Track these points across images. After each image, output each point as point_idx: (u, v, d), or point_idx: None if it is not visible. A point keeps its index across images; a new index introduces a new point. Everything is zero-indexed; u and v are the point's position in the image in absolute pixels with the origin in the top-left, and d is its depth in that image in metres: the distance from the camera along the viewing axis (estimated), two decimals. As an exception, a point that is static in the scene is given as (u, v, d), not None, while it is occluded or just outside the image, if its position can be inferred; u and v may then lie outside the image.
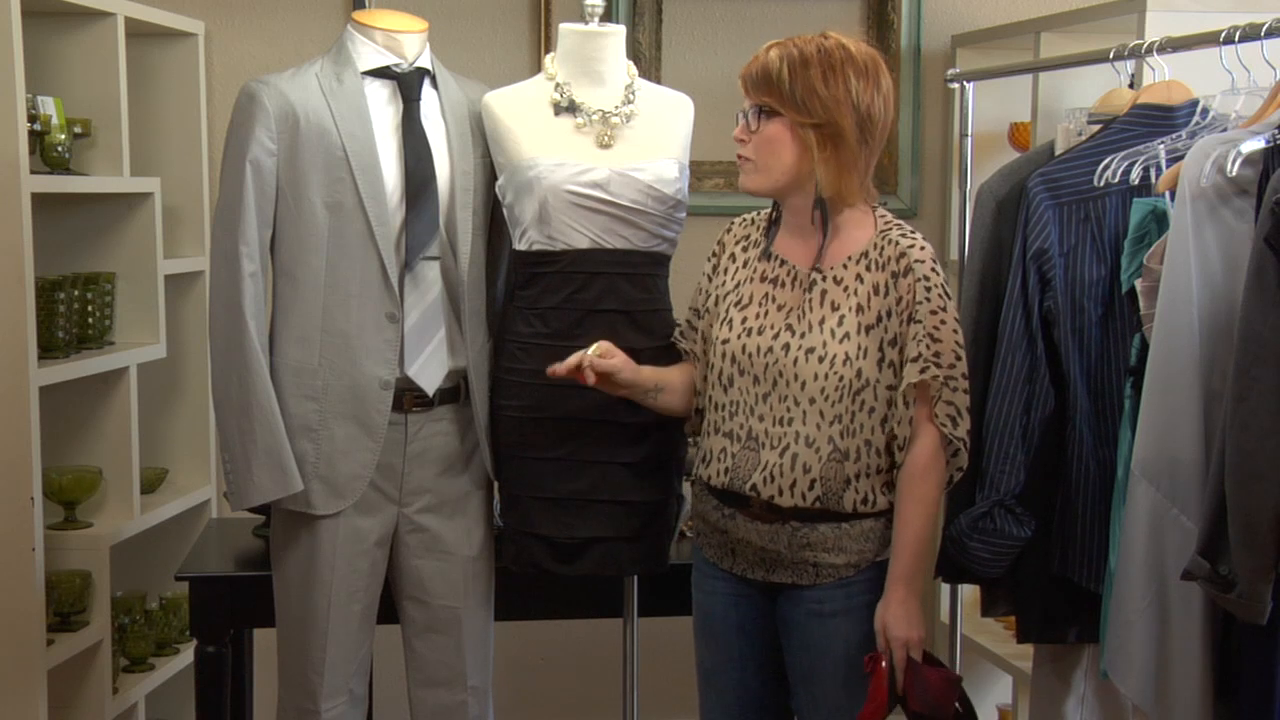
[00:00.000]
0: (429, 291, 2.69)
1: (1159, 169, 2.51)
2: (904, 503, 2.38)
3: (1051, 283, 2.61)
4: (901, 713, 2.40)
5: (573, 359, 2.50)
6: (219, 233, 2.65)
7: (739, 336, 2.46)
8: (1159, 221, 2.49)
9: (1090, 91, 3.14)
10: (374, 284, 2.64)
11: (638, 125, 2.74)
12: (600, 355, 2.51)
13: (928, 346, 2.36)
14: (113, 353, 3.36)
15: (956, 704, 2.40)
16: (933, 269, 2.40)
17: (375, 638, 2.82)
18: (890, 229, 2.44)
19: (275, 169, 2.62)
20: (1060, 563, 2.65)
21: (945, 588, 3.71)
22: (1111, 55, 2.79)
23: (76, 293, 3.28)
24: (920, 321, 2.36)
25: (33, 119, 3.08)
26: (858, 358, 2.37)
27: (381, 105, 2.69)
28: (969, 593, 3.52)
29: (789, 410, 2.40)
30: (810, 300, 2.42)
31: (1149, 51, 2.67)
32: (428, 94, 2.73)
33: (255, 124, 2.61)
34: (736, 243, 2.57)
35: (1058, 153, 2.81)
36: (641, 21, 3.95)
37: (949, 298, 2.40)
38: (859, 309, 2.39)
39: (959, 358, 2.39)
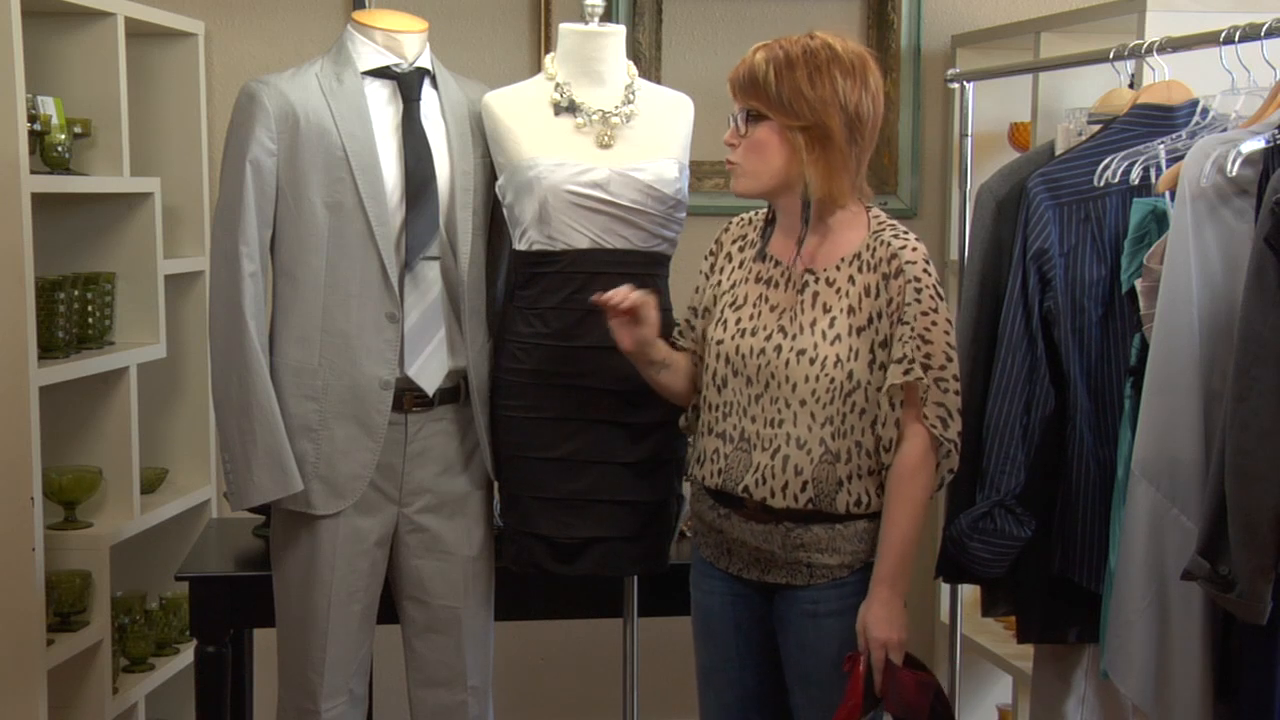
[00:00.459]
0: (429, 291, 2.69)
1: (1159, 169, 2.51)
2: (891, 503, 2.38)
3: (1051, 283, 2.61)
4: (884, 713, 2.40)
5: (619, 292, 2.46)
6: (219, 233, 2.65)
7: (733, 337, 2.46)
8: (1159, 221, 2.49)
9: (1090, 91, 3.14)
10: (374, 284, 2.64)
11: (638, 125, 2.74)
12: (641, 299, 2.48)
13: (917, 348, 2.35)
14: (113, 353, 3.36)
15: (931, 707, 2.38)
16: (924, 270, 2.39)
17: (375, 638, 2.82)
18: (883, 230, 2.43)
19: (275, 169, 2.62)
20: (1060, 563, 2.65)
21: (945, 588, 3.71)
22: (1111, 55, 2.79)
23: (76, 293, 3.28)
24: (909, 323, 2.36)
25: (33, 119, 3.08)
26: (849, 359, 2.37)
27: (381, 105, 2.69)
28: (969, 593, 3.52)
29: (780, 412, 2.40)
30: (803, 302, 2.42)
31: (1149, 51, 2.67)
32: (428, 94, 2.73)
33: (255, 124, 2.61)
34: (733, 242, 2.57)
35: (1058, 153, 2.81)
36: (641, 21, 3.95)
37: (941, 299, 2.39)
38: (850, 310, 2.39)
39: (950, 359, 2.38)
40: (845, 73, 2.36)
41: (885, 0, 4.02)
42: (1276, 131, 2.19)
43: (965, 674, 3.68)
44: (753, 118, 2.39)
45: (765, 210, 2.54)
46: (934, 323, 2.37)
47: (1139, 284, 2.46)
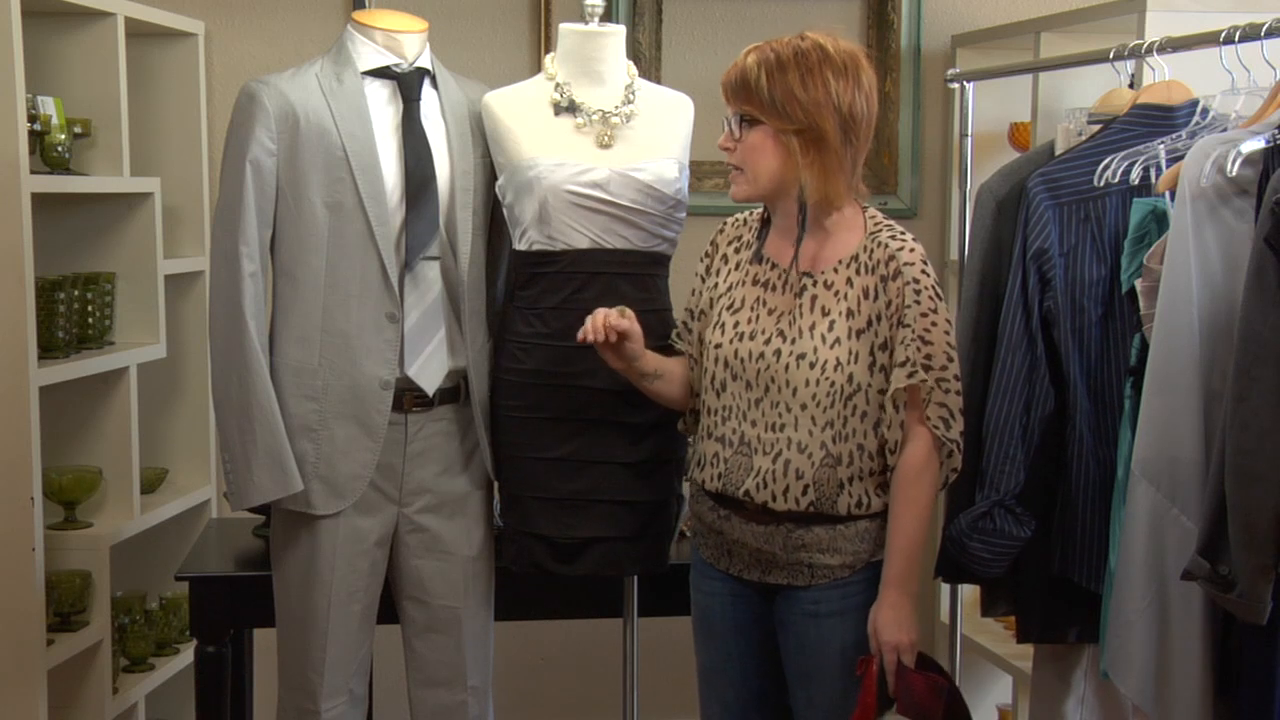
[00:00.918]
0: (429, 291, 2.69)
1: (1159, 169, 2.51)
2: (897, 506, 2.38)
3: (1051, 283, 2.61)
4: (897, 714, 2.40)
5: (594, 317, 2.47)
6: (219, 233, 2.65)
7: (731, 341, 2.45)
8: (1159, 221, 2.49)
9: (1090, 91, 3.14)
10: (374, 284, 2.64)
11: (638, 125, 2.74)
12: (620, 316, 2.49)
13: (918, 349, 2.35)
14: (113, 353, 3.36)
15: (946, 709, 2.38)
16: (923, 270, 2.38)
17: (375, 638, 2.82)
18: (880, 231, 2.42)
19: (275, 169, 2.62)
20: (1060, 563, 2.65)
21: (945, 588, 3.71)
22: (1111, 55, 2.79)
23: (76, 293, 3.28)
24: (909, 325, 2.35)
25: (33, 119, 3.08)
26: (849, 363, 2.37)
27: (381, 105, 2.69)
28: (969, 593, 3.52)
29: (781, 416, 2.40)
30: (801, 305, 2.41)
31: (1149, 51, 2.66)
32: (428, 94, 2.73)
33: (255, 124, 2.61)
34: (729, 243, 2.56)
35: (1058, 153, 2.81)
36: (641, 21, 3.95)
37: (940, 299, 2.39)
38: (849, 313, 2.38)
39: (951, 359, 2.38)
40: (837, 73, 2.35)
41: (885, 0, 4.02)
42: (1276, 131, 2.19)
43: (965, 674, 3.68)
44: (746, 122, 2.39)
45: (760, 211, 2.54)
46: (934, 323, 2.36)
47: (1139, 284, 2.46)
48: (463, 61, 3.46)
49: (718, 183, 3.95)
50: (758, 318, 2.45)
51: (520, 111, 2.73)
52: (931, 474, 2.38)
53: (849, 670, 2.40)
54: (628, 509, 2.72)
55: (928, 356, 2.35)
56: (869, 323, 2.38)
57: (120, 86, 3.38)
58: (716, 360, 2.47)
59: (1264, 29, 2.35)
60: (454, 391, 2.75)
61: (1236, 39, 2.44)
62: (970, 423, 2.52)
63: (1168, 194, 2.43)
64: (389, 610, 2.82)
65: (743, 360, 2.43)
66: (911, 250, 2.39)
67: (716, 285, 2.54)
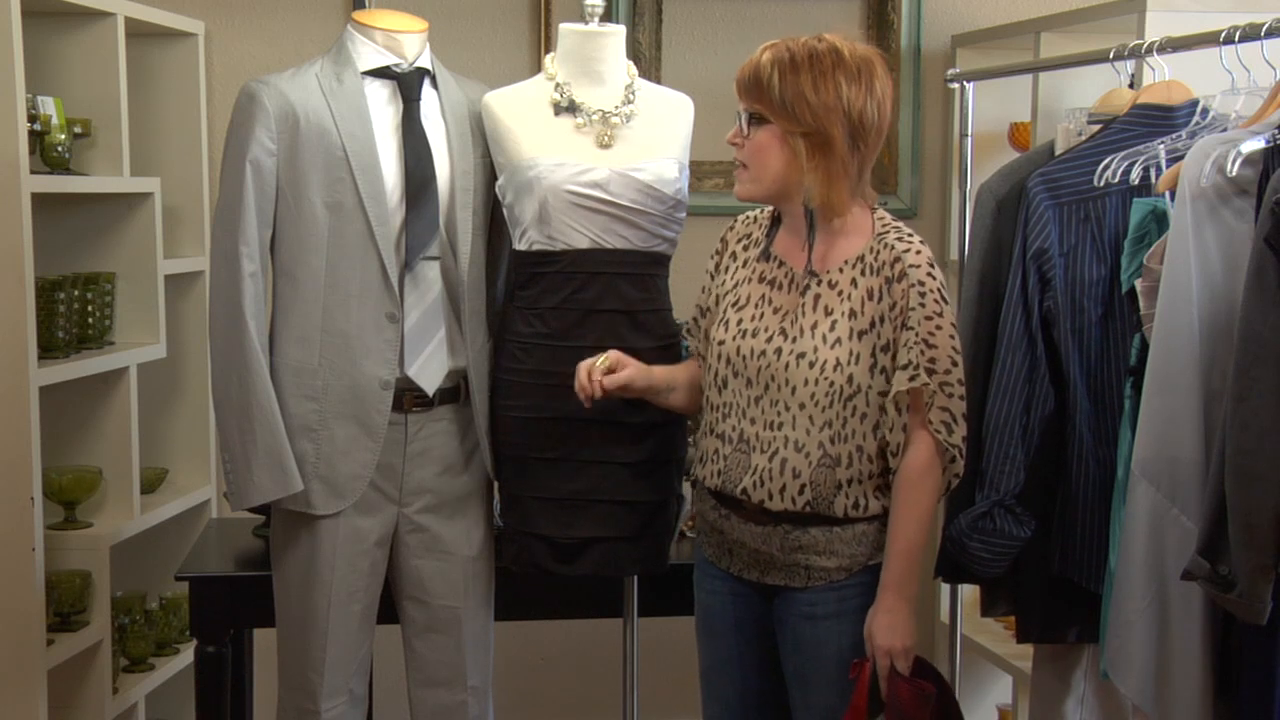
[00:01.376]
0: (429, 291, 2.69)
1: (1159, 169, 2.51)
2: (898, 509, 2.37)
3: (1051, 283, 2.61)
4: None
5: (581, 375, 2.48)
6: (219, 233, 2.65)
7: (734, 338, 2.45)
8: (1159, 221, 2.49)
9: (1090, 91, 3.14)
10: (374, 284, 2.64)
11: (638, 125, 2.74)
12: (610, 368, 2.50)
13: (921, 353, 2.33)
14: (113, 353, 3.36)
15: (932, 717, 2.36)
16: (929, 273, 2.36)
17: (375, 638, 2.82)
18: (887, 232, 2.41)
19: (275, 169, 2.62)
20: (1060, 563, 2.65)
21: (945, 588, 3.71)
22: (1111, 55, 2.79)
23: (76, 293, 3.28)
24: (913, 328, 2.34)
25: (33, 119, 3.08)
26: (849, 363, 2.36)
27: (381, 105, 2.69)
28: (969, 593, 3.52)
29: (780, 414, 2.40)
30: (804, 304, 2.41)
31: (1149, 51, 2.66)
32: (428, 94, 2.73)
33: (255, 124, 2.61)
34: (738, 241, 2.56)
35: (1058, 153, 2.81)
36: (641, 21, 3.95)
37: (946, 302, 2.37)
38: (852, 314, 2.37)
39: (955, 363, 2.36)
40: (850, 78, 2.33)
41: (885, 0, 4.02)
42: (1276, 131, 2.19)
43: (965, 674, 3.68)
44: (755, 120, 2.38)
45: (771, 209, 2.53)
46: (938, 327, 2.35)
47: (1139, 284, 2.46)
48: (463, 61, 3.46)
49: (718, 183, 3.96)
50: (762, 315, 2.44)
51: (520, 111, 2.73)
52: (933, 479, 2.37)
53: (845, 672, 2.39)
54: (628, 509, 2.72)
55: (931, 360, 2.33)
56: (872, 324, 2.37)
57: (120, 86, 3.38)
58: (719, 357, 2.47)
59: (1264, 29, 2.35)
60: (454, 391, 2.75)
61: (1236, 39, 2.44)
62: (970, 423, 2.51)
63: (1168, 194, 2.43)
64: (389, 610, 2.82)
65: (744, 357, 2.43)
66: (918, 253, 2.38)
67: (724, 282, 2.53)
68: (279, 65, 3.16)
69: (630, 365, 2.53)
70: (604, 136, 2.72)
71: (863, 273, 2.39)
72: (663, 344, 2.72)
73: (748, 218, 2.58)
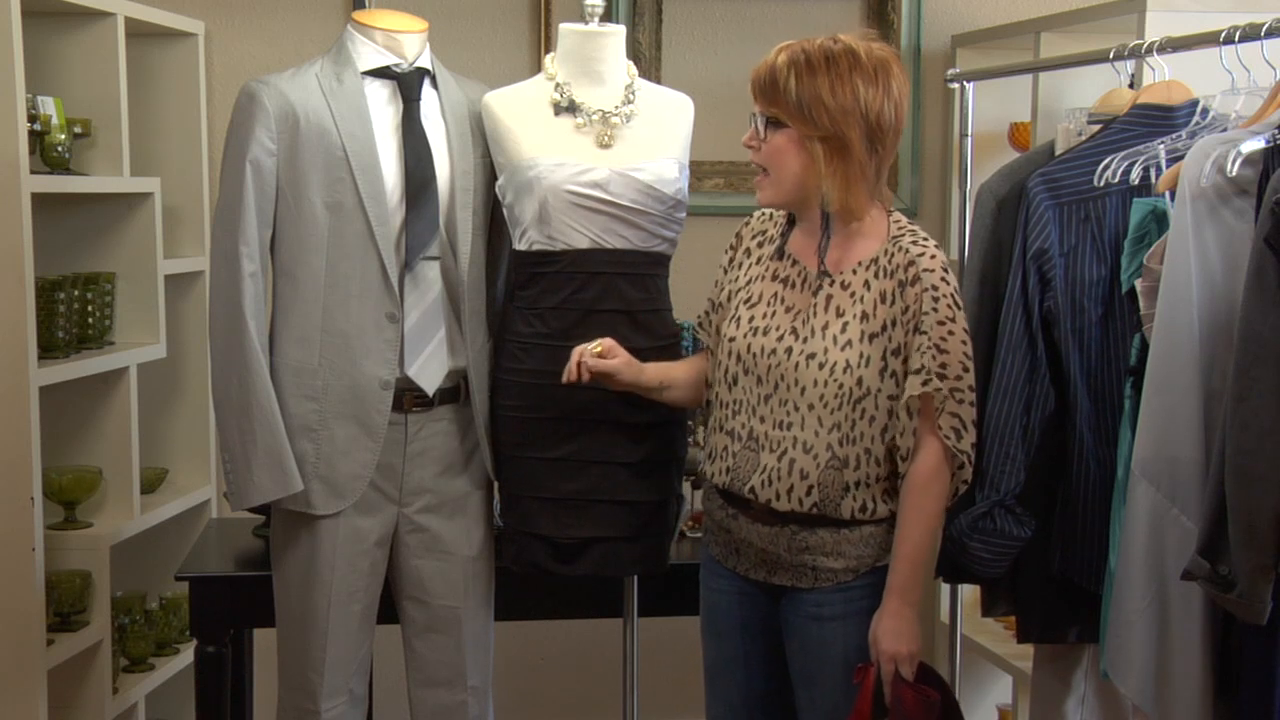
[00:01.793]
0: (429, 291, 2.69)
1: (1159, 169, 2.51)
2: (905, 514, 2.36)
3: (1051, 283, 2.61)
4: None
5: (573, 359, 2.50)
6: (219, 233, 2.65)
7: (745, 335, 2.45)
8: (1159, 221, 2.49)
9: (1090, 91, 3.14)
10: (374, 284, 2.65)
11: (638, 125, 2.74)
12: (600, 353, 2.50)
13: (933, 358, 2.33)
14: (113, 353, 3.36)
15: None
16: (942, 278, 2.36)
17: (375, 638, 2.82)
18: (902, 235, 2.40)
19: (275, 169, 2.62)
20: (1060, 563, 2.65)
21: (945, 588, 3.71)
22: (1111, 55, 2.79)
23: (76, 293, 3.28)
24: (926, 332, 2.33)
25: (33, 119, 3.08)
26: (859, 365, 2.35)
27: (381, 105, 2.69)
28: (969, 593, 3.52)
29: (789, 414, 2.39)
30: (816, 305, 2.40)
31: (1149, 51, 2.66)
32: (428, 94, 2.73)
33: (255, 124, 2.61)
34: (753, 237, 2.55)
35: (1058, 153, 2.81)
36: (641, 21, 3.95)
37: (959, 307, 2.36)
38: (864, 316, 2.37)
39: (966, 369, 2.35)
40: (867, 80, 2.31)
41: (885, 0, 4.02)
42: (1276, 131, 2.19)
43: (965, 674, 3.68)
44: (771, 124, 2.36)
45: None
46: (950, 332, 2.34)
47: (1139, 284, 2.46)
48: (463, 61, 3.46)
49: (718, 183, 3.96)
50: (774, 314, 2.44)
51: (520, 111, 2.73)
52: (941, 484, 2.36)
53: (851, 674, 2.39)
54: (628, 509, 2.72)
55: (942, 365, 2.33)
56: (883, 327, 2.36)
57: (120, 86, 3.38)
58: (730, 354, 2.46)
59: (1264, 29, 2.34)
60: (454, 391, 2.75)
61: (1236, 39, 2.44)
62: (976, 435, 2.51)
63: (1168, 194, 2.43)
64: (389, 610, 2.82)
65: (755, 355, 2.42)
66: (933, 257, 2.37)
67: (737, 279, 2.53)
68: (279, 65, 3.16)
69: (620, 357, 2.52)
70: (604, 136, 2.72)
71: (876, 275, 2.38)
72: (663, 344, 2.72)
73: (763, 214, 2.57)
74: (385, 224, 2.64)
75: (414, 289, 2.68)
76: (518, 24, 3.94)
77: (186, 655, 3.59)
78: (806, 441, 2.37)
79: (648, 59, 3.93)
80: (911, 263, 2.36)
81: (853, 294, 2.38)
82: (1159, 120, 2.62)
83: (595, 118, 2.73)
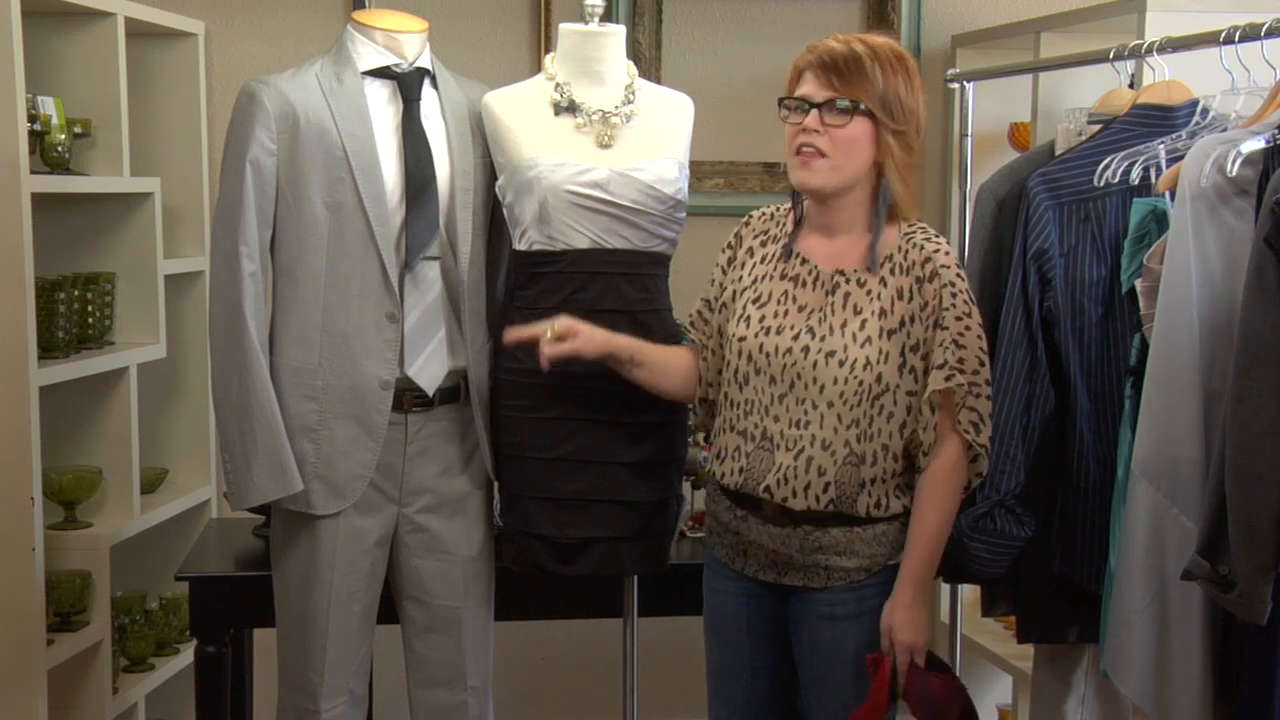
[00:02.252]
0: (429, 291, 2.69)
1: (1159, 169, 2.51)
2: (922, 507, 2.38)
3: (1051, 283, 2.61)
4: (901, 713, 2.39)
5: (526, 334, 2.53)
6: (219, 233, 2.65)
7: (756, 335, 2.45)
8: (1159, 221, 2.49)
9: (1090, 91, 3.14)
10: (374, 284, 2.64)
11: (638, 125, 2.74)
12: (560, 335, 2.50)
13: (953, 353, 2.35)
14: (113, 353, 3.36)
15: (960, 712, 2.38)
16: (957, 274, 2.39)
17: (375, 638, 2.82)
18: (915, 232, 2.42)
19: (275, 169, 2.62)
20: (1060, 563, 2.65)
21: (945, 588, 3.71)
22: (1111, 55, 2.79)
23: (76, 293, 3.28)
24: (947, 328, 2.35)
25: (33, 119, 3.08)
26: (879, 362, 2.36)
27: (381, 105, 2.69)
28: (969, 593, 3.52)
29: (806, 412, 2.39)
30: (833, 303, 2.40)
31: (1149, 51, 2.67)
32: (428, 94, 2.73)
33: (255, 124, 2.61)
34: (755, 237, 2.55)
35: (1058, 153, 2.81)
36: (641, 21, 3.95)
37: (973, 303, 2.39)
38: (882, 313, 2.38)
39: (982, 364, 2.38)
40: (918, 80, 2.40)
41: (885, 0, 4.02)
42: (1276, 131, 2.19)
43: (965, 674, 3.67)
44: (845, 111, 2.34)
45: (788, 206, 2.53)
46: (968, 327, 2.37)
47: (1139, 284, 2.46)
48: (463, 61, 3.46)
49: (718, 183, 3.95)
50: (786, 313, 2.44)
51: (520, 111, 2.73)
52: (959, 478, 2.39)
53: (862, 673, 2.39)
54: (628, 509, 2.72)
55: (960, 360, 2.35)
56: (901, 323, 2.37)
57: (120, 86, 3.38)
58: (740, 353, 2.46)
59: (1264, 29, 2.35)
60: (454, 391, 2.75)
61: (1236, 39, 2.44)
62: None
63: (1168, 194, 2.43)
64: (389, 610, 2.82)
65: (768, 355, 2.42)
66: (947, 254, 2.40)
67: (741, 278, 2.52)
68: (279, 65, 3.16)
69: (580, 335, 2.52)
70: (604, 136, 2.72)
71: (892, 272, 2.39)
72: (663, 343, 2.71)
73: (764, 214, 2.57)
74: (385, 224, 2.64)
75: (414, 289, 2.68)
76: (518, 24, 3.94)
77: (186, 655, 3.59)
78: (825, 439, 2.37)
79: (648, 59, 3.93)
80: (928, 259, 2.38)
81: (869, 291, 2.39)
82: (1159, 120, 2.62)
83: (595, 118, 2.73)
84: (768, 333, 2.43)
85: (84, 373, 3.23)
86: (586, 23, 2.76)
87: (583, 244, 2.66)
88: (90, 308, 3.32)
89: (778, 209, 2.56)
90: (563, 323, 2.53)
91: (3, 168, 2.94)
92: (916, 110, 2.39)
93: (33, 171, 3.04)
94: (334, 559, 2.69)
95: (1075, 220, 2.62)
